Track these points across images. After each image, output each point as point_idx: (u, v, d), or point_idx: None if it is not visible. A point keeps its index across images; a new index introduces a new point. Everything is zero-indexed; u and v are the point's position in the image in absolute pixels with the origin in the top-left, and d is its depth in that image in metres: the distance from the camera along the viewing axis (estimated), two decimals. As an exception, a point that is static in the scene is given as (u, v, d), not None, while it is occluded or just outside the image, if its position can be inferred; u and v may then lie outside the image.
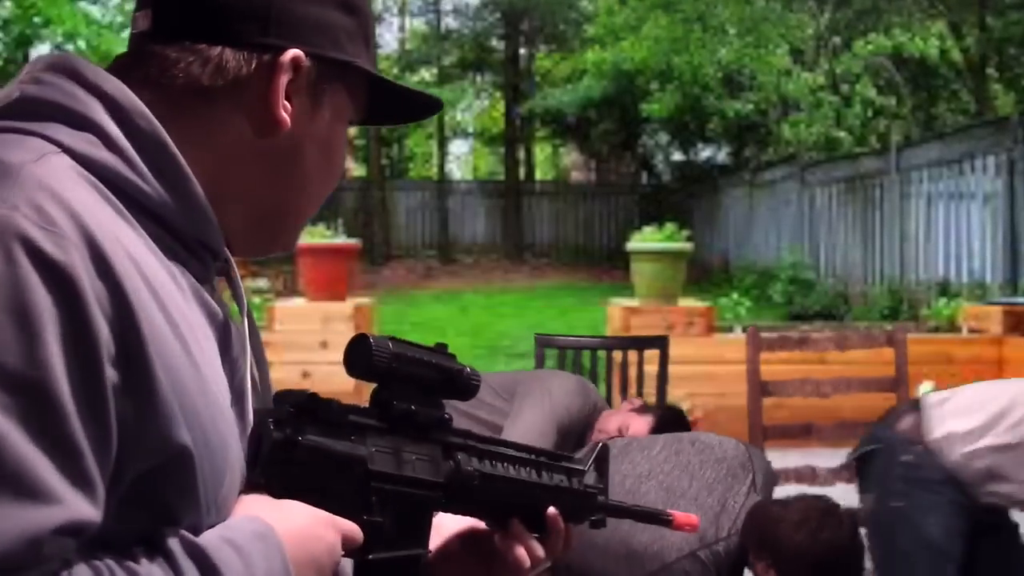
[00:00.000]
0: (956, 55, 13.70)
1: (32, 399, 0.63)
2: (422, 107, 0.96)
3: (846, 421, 3.00)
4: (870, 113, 12.42)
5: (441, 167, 22.15)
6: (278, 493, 0.77)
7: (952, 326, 6.73)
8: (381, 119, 0.96)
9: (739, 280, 13.53)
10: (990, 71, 14.59)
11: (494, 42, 21.13)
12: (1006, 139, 8.70)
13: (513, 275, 17.91)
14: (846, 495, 2.93)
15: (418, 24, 22.71)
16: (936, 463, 2.28)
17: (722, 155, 20.42)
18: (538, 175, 24.16)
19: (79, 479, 0.64)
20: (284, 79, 0.80)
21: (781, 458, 2.87)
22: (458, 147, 27.73)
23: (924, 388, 6.02)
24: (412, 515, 0.85)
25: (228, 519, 0.75)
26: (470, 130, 25.75)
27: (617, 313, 6.40)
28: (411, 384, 0.86)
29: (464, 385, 0.92)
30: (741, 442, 2.25)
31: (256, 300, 7.22)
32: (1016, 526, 2.46)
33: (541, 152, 25.71)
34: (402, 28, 23.22)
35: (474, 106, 23.26)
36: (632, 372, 3.45)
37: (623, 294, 7.21)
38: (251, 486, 0.77)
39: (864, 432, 2.99)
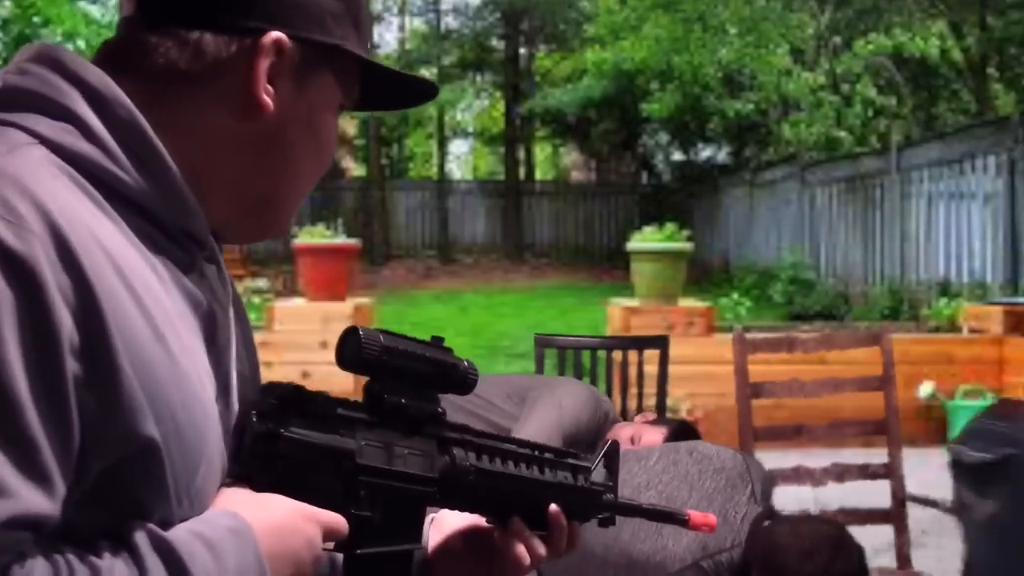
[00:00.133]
0: (957, 55, 13.70)
1: None
2: (418, 92, 0.94)
3: (837, 421, 2.99)
4: (870, 113, 12.41)
5: (441, 167, 22.15)
6: (261, 487, 0.76)
7: (953, 326, 6.73)
8: (376, 105, 0.95)
9: (739, 280, 13.52)
10: (991, 71, 14.58)
11: (494, 42, 21.13)
12: (1007, 139, 8.69)
13: (513, 275, 17.90)
14: (844, 494, 2.93)
15: (418, 24, 22.72)
16: None
17: (722, 155, 20.41)
18: (538, 175, 24.16)
19: (34, 473, 0.63)
20: (266, 62, 0.79)
21: (772, 459, 2.86)
22: (458, 147, 27.74)
23: (925, 388, 6.04)
24: (404, 510, 0.84)
25: (204, 513, 0.73)
26: (470, 130, 25.76)
27: (617, 313, 6.39)
28: (404, 377, 0.84)
29: (460, 379, 0.90)
30: (738, 452, 2.24)
31: (256, 300, 7.22)
32: None
33: (541, 152, 25.71)
34: (402, 28, 23.21)
35: (474, 106, 23.26)
36: (632, 372, 3.44)
37: (623, 294, 7.20)
38: (234, 479, 0.76)
39: (859, 431, 2.98)
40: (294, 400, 0.77)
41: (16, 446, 0.63)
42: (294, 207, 0.88)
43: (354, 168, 24.16)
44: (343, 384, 5.93)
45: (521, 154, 21.77)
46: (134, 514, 0.70)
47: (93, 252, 0.68)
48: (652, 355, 3.46)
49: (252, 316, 7.38)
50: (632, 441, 2.59)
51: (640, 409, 3.42)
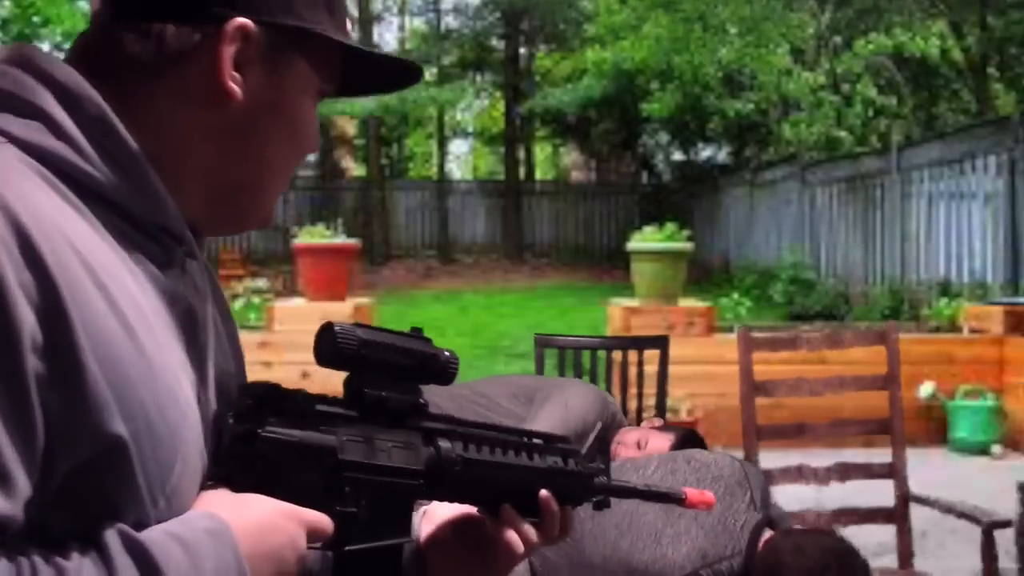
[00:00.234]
0: (957, 55, 13.69)
1: None
2: (403, 75, 0.93)
3: (840, 420, 2.98)
4: (871, 113, 12.40)
5: (441, 167, 22.14)
6: (242, 488, 0.75)
7: (953, 326, 6.72)
8: (361, 90, 0.94)
9: (739, 280, 13.52)
10: (991, 71, 14.58)
11: (494, 41, 21.13)
12: (1007, 139, 8.68)
13: (513, 275, 17.89)
14: (845, 495, 2.92)
15: (418, 24, 22.72)
16: None
17: (722, 155, 20.41)
18: (538, 175, 24.16)
19: None
20: (230, 49, 0.78)
21: (774, 459, 2.85)
22: (458, 147, 27.74)
23: (925, 389, 6.03)
24: (390, 504, 0.83)
25: (184, 514, 0.72)
26: (470, 130, 25.76)
27: (617, 313, 6.38)
28: (383, 371, 0.83)
29: (440, 369, 0.88)
30: (736, 459, 2.23)
31: (256, 300, 7.21)
32: None
33: (541, 152, 25.71)
34: (402, 28, 23.23)
35: (474, 106, 23.26)
36: (632, 372, 3.43)
37: (623, 294, 7.19)
38: (215, 482, 0.75)
39: (862, 430, 2.97)
40: (271, 399, 0.76)
41: None
42: (273, 196, 0.87)
43: (354, 168, 24.17)
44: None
45: (521, 154, 21.77)
46: (105, 515, 0.69)
47: (60, 249, 0.67)
48: (652, 355, 3.46)
49: (252, 316, 7.36)
50: (639, 445, 2.59)
51: (640, 409, 3.41)
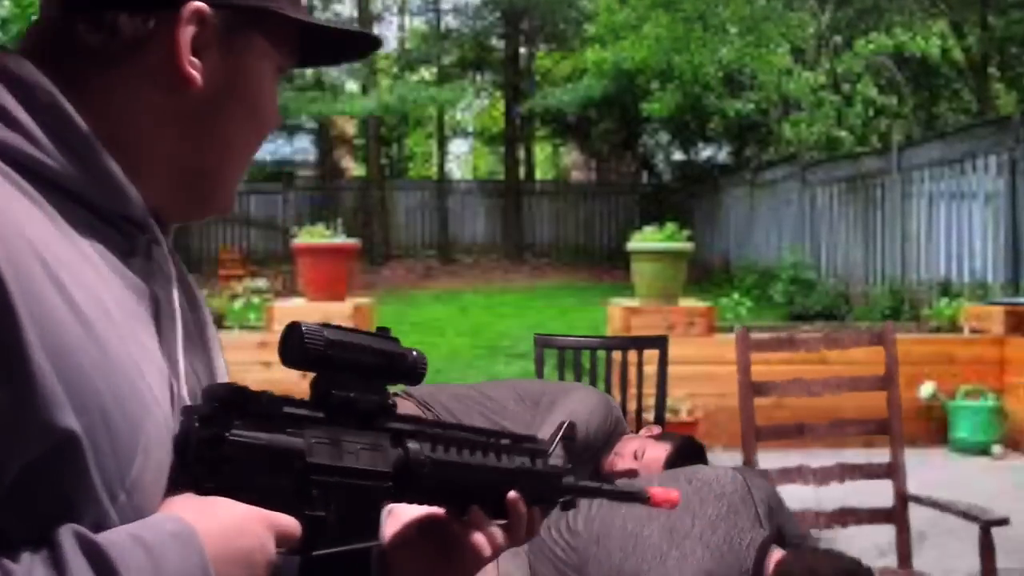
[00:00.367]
0: (958, 54, 13.68)
1: None
2: (360, 44, 0.93)
3: (840, 420, 2.97)
4: (871, 112, 12.39)
5: (441, 167, 22.13)
6: (208, 492, 0.73)
7: (953, 326, 6.71)
8: (316, 61, 0.93)
9: (740, 280, 13.51)
10: (992, 70, 14.57)
11: (494, 41, 21.13)
12: (1008, 139, 8.67)
13: (513, 275, 17.89)
14: (845, 495, 2.91)
15: (418, 23, 22.72)
16: None
17: (723, 155, 20.41)
18: (538, 175, 24.15)
19: None
20: (187, 34, 0.78)
21: (774, 459, 2.84)
22: (458, 146, 27.73)
23: (926, 389, 6.02)
24: (359, 507, 0.82)
25: (148, 517, 0.71)
26: (470, 129, 25.76)
27: (617, 313, 6.38)
28: (351, 371, 0.82)
29: (408, 369, 0.87)
30: (738, 471, 2.21)
31: (256, 300, 7.21)
32: None
33: (541, 152, 25.70)
34: (402, 27, 23.22)
35: (474, 105, 23.25)
36: (632, 372, 3.43)
37: (624, 294, 7.19)
38: (180, 486, 0.74)
39: (861, 430, 2.97)
40: (237, 401, 0.75)
41: None
42: (235, 179, 0.87)
43: (354, 168, 24.16)
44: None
45: (521, 154, 21.76)
46: (60, 513, 0.67)
47: (11, 242, 0.67)
48: (652, 355, 3.45)
49: (252, 316, 7.34)
50: (636, 456, 2.59)
51: (640, 409, 3.41)
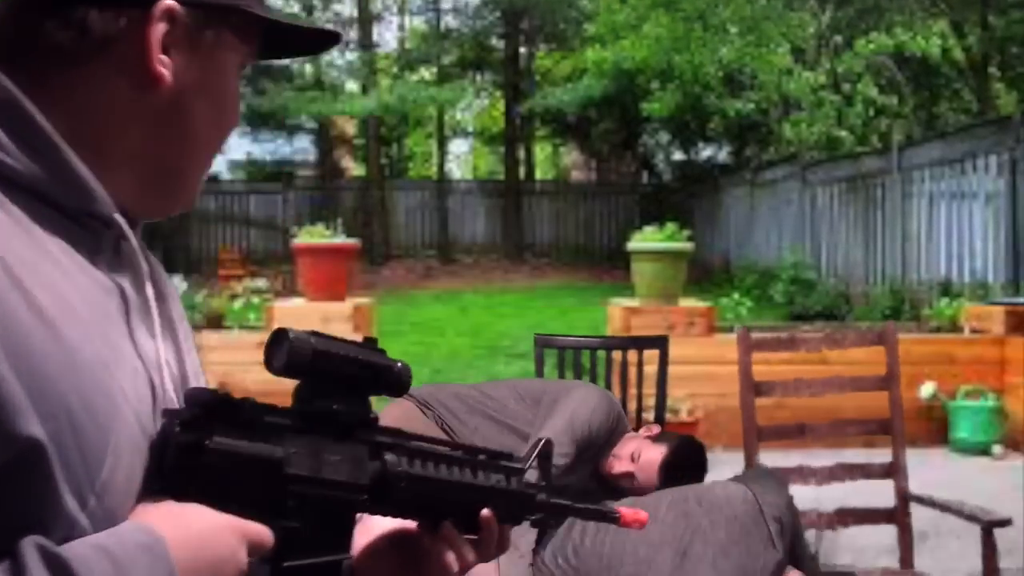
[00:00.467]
0: (958, 54, 13.68)
1: None
2: (321, 39, 0.92)
3: (841, 420, 2.96)
4: (872, 112, 12.38)
5: (441, 166, 22.13)
6: (184, 499, 0.73)
7: (954, 326, 6.70)
8: (276, 55, 0.93)
9: (740, 280, 13.50)
10: (992, 70, 14.56)
11: (494, 41, 21.12)
12: (1008, 138, 8.66)
13: (513, 275, 17.88)
14: (845, 495, 2.91)
15: (418, 23, 22.71)
16: None
17: (723, 154, 20.40)
18: (538, 175, 24.15)
19: None
20: (158, 32, 0.77)
21: (775, 460, 2.84)
22: (458, 146, 27.73)
23: (926, 389, 6.01)
24: (333, 519, 0.82)
25: (117, 526, 0.69)
26: (470, 129, 25.75)
27: (618, 313, 6.37)
28: (335, 381, 0.82)
29: (394, 381, 0.87)
30: (749, 489, 2.19)
31: (255, 300, 7.20)
32: None
33: (541, 151, 25.70)
34: (402, 27, 23.22)
35: (474, 105, 23.25)
36: (632, 372, 3.42)
37: (624, 294, 7.18)
38: (158, 493, 0.73)
39: (863, 430, 2.96)
40: (219, 408, 0.75)
41: None
42: (200, 176, 0.86)
43: (353, 168, 24.15)
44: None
45: (521, 154, 21.76)
46: (27, 522, 0.66)
47: None
48: (652, 355, 3.44)
49: (251, 316, 7.32)
50: (632, 458, 2.59)
51: (640, 409, 3.40)
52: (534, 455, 1.06)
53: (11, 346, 0.65)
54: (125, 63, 0.77)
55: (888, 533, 2.95)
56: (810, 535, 2.61)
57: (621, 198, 20.15)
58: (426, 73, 21.11)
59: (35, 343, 0.66)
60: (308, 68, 20.23)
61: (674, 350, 3.55)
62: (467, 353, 9.95)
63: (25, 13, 0.77)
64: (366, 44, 19.86)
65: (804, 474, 2.85)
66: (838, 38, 13.39)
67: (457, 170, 27.98)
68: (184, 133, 0.82)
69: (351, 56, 20.25)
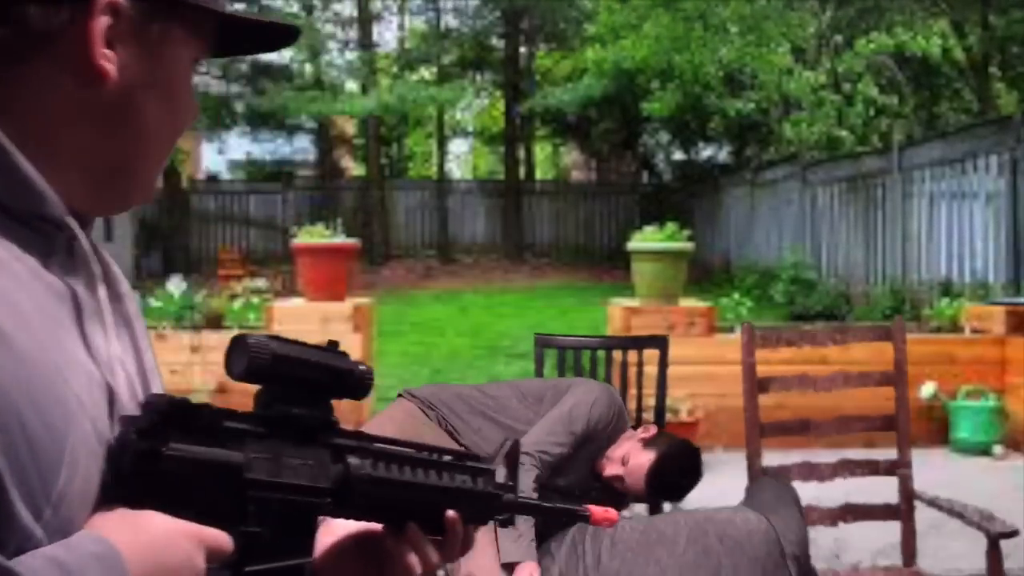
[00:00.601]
0: (959, 54, 13.67)
1: None
2: (279, 34, 0.90)
3: (845, 416, 2.95)
4: (872, 112, 12.38)
5: (440, 166, 22.13)
6: (142, 507, 0.72)
7: (954, 326, 6.69)
8: (235, 50, 0.91)
9: (740, 280, 13.50)
10: (993, 70, 14.55)
11: (494, 41, 21.11)
12: (1009, 138, 8.66)
13: (513, 275, 17.88)
14: (847, 494, 2.89)
15: (417, 23, 22.70)
16: None
17: (723, 154, 20.41)
18: (538, 174, 24.15)
19: None
20: (100, 25, 0.75)
21: (777, 458, 2.83)
22: (458, 146, 27.73)
23: (926, 389, 6.01)
24: (295, 523, 0.81)
25: (70, 537, 0.68)
26: (470, 129, 25.75)
27: (618, 313, 6.36)
28: (296, 385, 0.82)
29: (355, 385, 0.86)
30: (770, 524, 2.17)
31: (255, 300, 7.19)
32: None
33: (541, 151, 25.70)
34: (402, 27, 23.21)
35: (474, 105, 23.25)
36: (632, 372, 3.41)
37: (624, 294, 7.17)
38: (114, 498, 0.72)
39: (867, 426, 2.94)
40: (177, 414, 0.74)
41: None
42: (154, 171, 0.84)
43: (353, 168, 24.16)
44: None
45: (521, 153, 21.76)
46: None
47: None
48: (652, 355, 3.43)
49: (251, 316, 7.29)
50: (623, 462, 2.59)
51: (640, 409, 3.39)
52: (501, 454, 1.06)
53: None
54: (68, 59, 0.75)
55: (889, 534, 2.94)
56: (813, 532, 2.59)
57: (621, 198, 20.15)
58: (426, 73, 21.11)
59: None
60: (308, 68, 20.23)
61: (674, 350, 3.54)
62: (467, 353, 9.94)
63: None
64: (366, 44, 19.86)
65: (808, 470, 2.83)
66: (838, 38, 13.38)
67: (457, 170, 27.99)
68: (134, 129, 0.80)
69: (351, 56, 20.25)
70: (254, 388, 0.85)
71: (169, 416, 0.73)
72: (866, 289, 11.26)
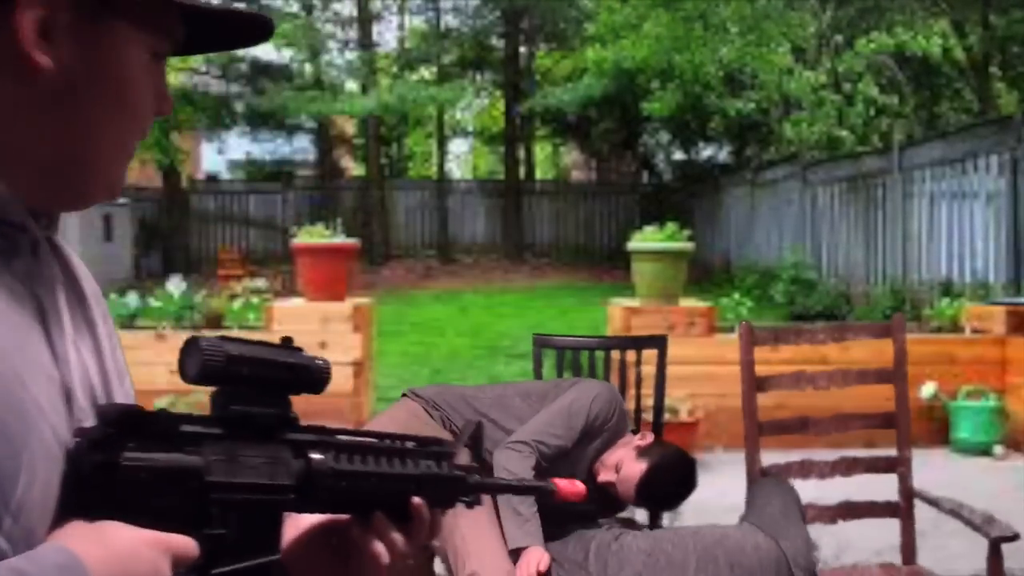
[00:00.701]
0: (959, 53, 13.66)
1: None
2: (254, 30, 0.88)
3: (844, 415, 2.94)
4: (872, 112, 12.38)
5: (440, 166, 22.12)
6: (103, 518, 0.71)
7: (955, 326, 6.68)
8: (211, 45, 0.89)
9: (740, 280, 13.49)
10: (993, 70, 14.55)
11: (494, 40, 21.11)
12: (1009, 138, 8.65)
13: (513, 275, 17.87)
14: (847, 493, 2.89)
15: (417, 22, 22.69)
16: None
17: (723, 154, 20.40)
18: (538, 174, 24.14)
19: None
20: (31, 16, 0.73)
21: (776, 458, 2.82)
22: (458, 146, 27.73)
23: (927, 389, 6.00)
24: (260, 522, 0.81)
25: (34, 549, 0.67)
26: (470, 129, 25.75)
27: (618, 313, 6.35)
28: (252, 384, 0.81)
29: (311, 380, 0.86)
30: (773, 542, 2.15)
31: (255, 300, 7.18)
32: None
33: (541, 151, 25.70)
34: (401, 26, 23.20)
35: (474, 105, 23.24)
36: (631, 372, 3.40)
37: (624, 294, 7.16)
38: (74, 510, 0.72)
39: (866, 424, 2.93)
40: (132, 422, 0.73)
41: None
42: (116, 166, 0.82)
43: (353, 167, 24.15)
44: (342, 386, 5.90)
45: (521, 153, 21.75)
46: None
47: None
48: (651, 355, 3.42)
49: (251, 316, 7.29)
50: (616, 469, 2.59)
51: (639, 409, 3.38)
52: (464, 436, 1.07)
53: None
54: (1, 53, 0.73)
55: (889, 533, 2.94)
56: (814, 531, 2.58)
57: (621, 198, 20.14)
58: (426, 73, 21.10)
59: None
60: (308, 68, 20.22)
61: (674, 350, 3.53)
62: (467, 353, 9.93)
63: None
64: (366, 44, 19.85)
65: (807, 468, 2.82)
66: (839, 37, 13.38)
67: (457, 170, 27.99)
68: (79, 124, 0.78)
69: (351, 56, 20.25)
70: None
71: (123, 425, 0.73)
72: (866, 289, 11.25)
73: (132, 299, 6.62)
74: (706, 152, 20.62)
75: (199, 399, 4.76)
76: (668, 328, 5.76)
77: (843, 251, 12.11)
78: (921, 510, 2.81)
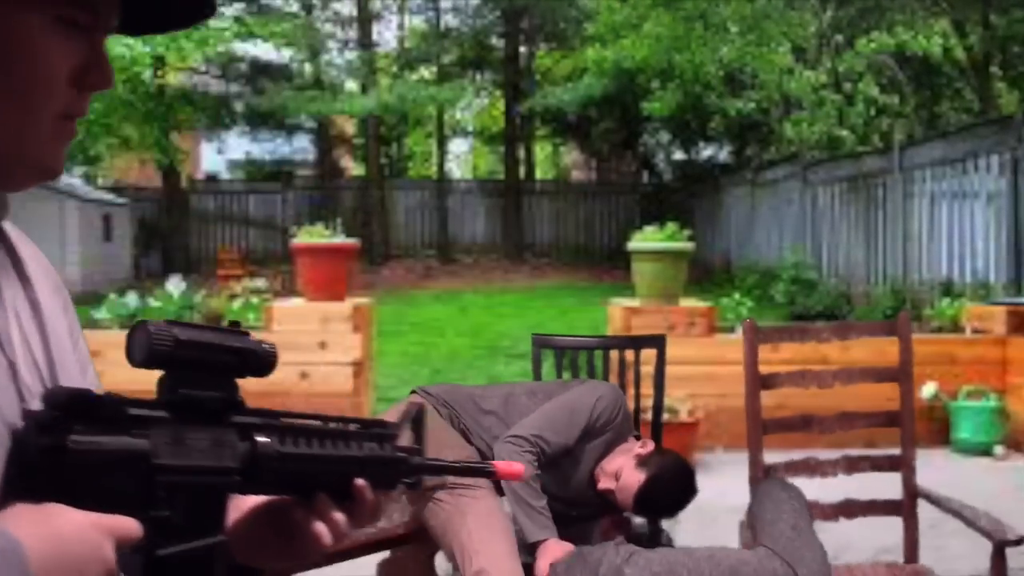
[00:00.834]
0: (959, 53, 13.66)
1: None
2: (193, 8, 0.86)
3: (848, 413, 2.93)
4: (873, 112, 12.37)
5: (440, 166, 22.11)
6: (49, 500, 0.71)
7: (955, 326, 6.68)
8: (148, 27, 0.87)
9: (741, 280, 13.49)
10: (994, 69, 14.54)
11: (494, 40, 21.10)
12: (1010, 138, 8.65)
13: (513, 275, 17.87)
14: (848, 492, 2.88)
15: (417, 22, 22.69)
16: None
17: (724, 154, 20.40)
18: (538, 174, 24.13)
19: None
20: None
21: (779, 457, 2.81)
22: (458, 146, 27.72)
23: (927, 389, 5.99)
24: (204, 504, 0.83)
25: None
26: (470, 129, 25.74)
27: (618, 313, 6.35)
28: (199, 368, 0.82)
29: (258, 363, 0.87)
30: (791, 569, 2.14)
31: (255, 300, 7.18)
32: None
33: (541, 151, 25.69)
34: (401, 26, 23.20)
35: (474, 104, 23.24)
36: (630, 372, 3.39)
37: (624, 294, 7.16)
38: (20, 493, 0.72)
39: (870, 422, 2.92)
40: (79, 406, 0.74)
41: None
42: (28, 144, 0.78)
43: (353, 167, 24.15)
44: (343, 386, 5.89)
45: (521, 153, 21.74)
46: None
47: None
48: (650, 355, 3.42)
49: (251, 316, 7.27)
50: (616, 477, 2.58)
51: (638, 409, 3.38)
52: (407, 419, 1.08)
53: None
54: None
55: (891, 532, 2.93)
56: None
57: (621, 198, 20.14)
58: (426, 72, 21.10)
59: None
60: (307, 67, 20.22)
61: (674, 350, 3.52)
62: (467, 353, 9.93)
63: None
64: (366, 43, 19.84)
65: (810, 466, 2.81)
66: (839, 37, 13.37)
67: (457, 170, 27.98)
68: None
69: (351, 55, 20.24)
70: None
71: (70, 408, 0.73)
72: (867, 289, 11.25)
73: (132, 299, 6.61)
74: (706, 152, 20.62)
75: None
76: (668, 328, 5.75)
77: (843, 251, 12.11)
78: (922, 510, 2.80)
